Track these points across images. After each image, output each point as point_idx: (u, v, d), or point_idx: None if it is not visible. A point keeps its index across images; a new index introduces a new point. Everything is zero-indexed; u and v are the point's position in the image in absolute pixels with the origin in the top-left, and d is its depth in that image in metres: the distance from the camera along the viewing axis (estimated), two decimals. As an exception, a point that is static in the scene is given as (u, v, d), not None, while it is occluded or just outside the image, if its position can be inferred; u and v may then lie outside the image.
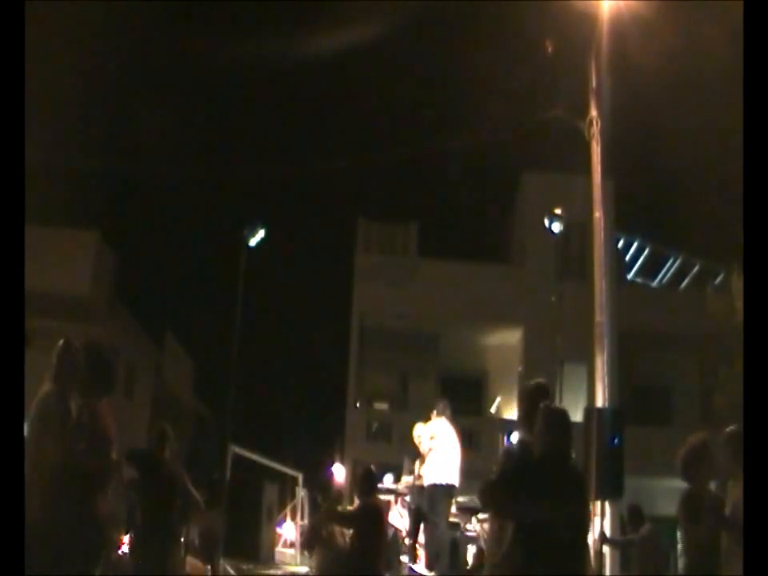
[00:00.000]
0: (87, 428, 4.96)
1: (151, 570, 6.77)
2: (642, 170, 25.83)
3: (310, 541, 8.68)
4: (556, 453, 4.99)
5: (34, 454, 4.89)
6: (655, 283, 25.80)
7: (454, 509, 10.87)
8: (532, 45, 14.63)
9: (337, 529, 7.96)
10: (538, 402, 5.22)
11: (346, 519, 7.91)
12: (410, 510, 11.06)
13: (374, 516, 7.64)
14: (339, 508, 8.30)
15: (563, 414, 5.19)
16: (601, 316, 13.28)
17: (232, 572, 13.47)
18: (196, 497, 7.25)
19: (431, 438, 10.41)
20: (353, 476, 20.92)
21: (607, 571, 12.09)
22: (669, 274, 25.74)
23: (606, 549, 11.74)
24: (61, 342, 5.33)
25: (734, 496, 5.49)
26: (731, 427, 5.73)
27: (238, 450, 15.97)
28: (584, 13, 13.43)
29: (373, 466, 8.36)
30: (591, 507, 4.99)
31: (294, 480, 21.06)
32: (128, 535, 17.87)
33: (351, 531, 7.67)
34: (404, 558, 11.03)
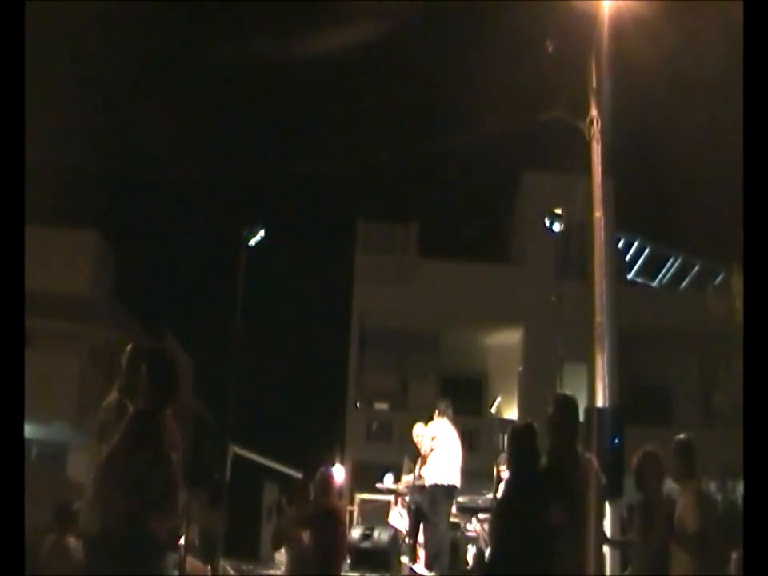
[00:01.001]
0: (150, 439, 4.77)
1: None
2: (642, 170, 25.83)
3: (275, 542, 8.88)
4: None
5: (98, 464, 4.88)
6: (655, 283, 25.81)
7: (454, 509, 10.87)
8: (532, 45, 14.63)
9: (303, 530, 8.07)
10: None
11: (303, 521, 8.05)
12: (409, 510, 11.06)
13: (329, 517, 7.85)
14: (299, 510, 8.35)
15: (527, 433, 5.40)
16: (601, 316, 13.29)
17: (232, 572, 13.48)
18: None
19: (432, 438, 10.41)
20: (352, 476, 20.94)
21: (607, 571, 12.07)
22: (669, 274, 25.75)
23: (606, 549, 11.74)
24: (128, 347, 5.21)
25: (682, 504, 5.76)
26: (681, 436, 6.07)
27: (238, 450, 15.98)
28: (584, 13, 13.43)
29: (332, 470, 8.50)
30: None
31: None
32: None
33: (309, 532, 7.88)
34: (404, 558, 11.04)
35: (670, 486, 6.12)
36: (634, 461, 6.22)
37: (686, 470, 5.92)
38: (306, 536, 7.92)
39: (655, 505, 5.92)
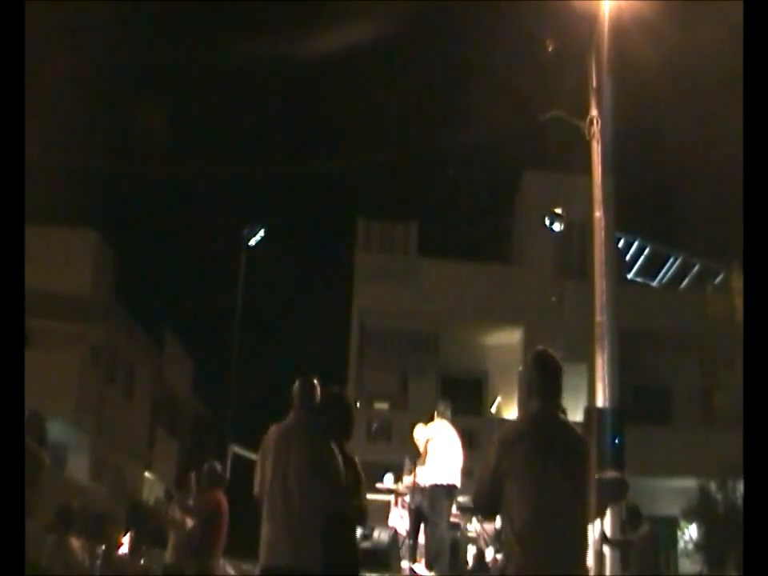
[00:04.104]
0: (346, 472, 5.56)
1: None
2: (642, 170, 25.83)
3: (165, 526, 9.58)
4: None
5: (310, 495, 5.33)
6: (655, 283, 25.82)
7: (454, 509, 10.87)
8: (532, 45, 14.64)
9: (186, 518, 8.84)
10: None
11: (189, 510, 8.78)
12: (410, 511, 11.06)
13: (211, 509, 8.47)
14: (186, 501, 9.12)
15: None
16: (601, 316, 13.28)
17: (232, 572, 13.48)
18: (39, 457, 7.18)
19: (431, 439, 10.42)
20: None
21: (607, 571, 12.08)
22: (669, 274, 25.76)
23: (605, 549, 11.75)
24: (310, 381, 5.79)
25: None
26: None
27: (237, 449, 16.01)
28: (584, 13, 13.43)
29: (218, 464, 8.90)
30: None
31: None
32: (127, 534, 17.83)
33: (194, 520, 8.62)
34: (404, 559, 11.04)
35: None
36: None
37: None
38: (189, 523, 8.44)
39: None
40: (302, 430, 5.53)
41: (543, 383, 4.38)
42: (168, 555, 9.11)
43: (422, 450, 10.45)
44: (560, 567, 3.90)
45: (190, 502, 9.00)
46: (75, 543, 8.88)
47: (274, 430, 5.61)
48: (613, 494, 5.82)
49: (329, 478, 5.37)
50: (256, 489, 5.60)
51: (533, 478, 4.02)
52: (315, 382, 5.75)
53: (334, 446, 5.52)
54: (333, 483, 5.37)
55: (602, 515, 5.59)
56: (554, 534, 3.94)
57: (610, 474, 5.55)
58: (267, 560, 5.26)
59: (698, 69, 16.12)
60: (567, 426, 4.31)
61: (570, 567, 3.94)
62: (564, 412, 4.61)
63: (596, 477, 4.42)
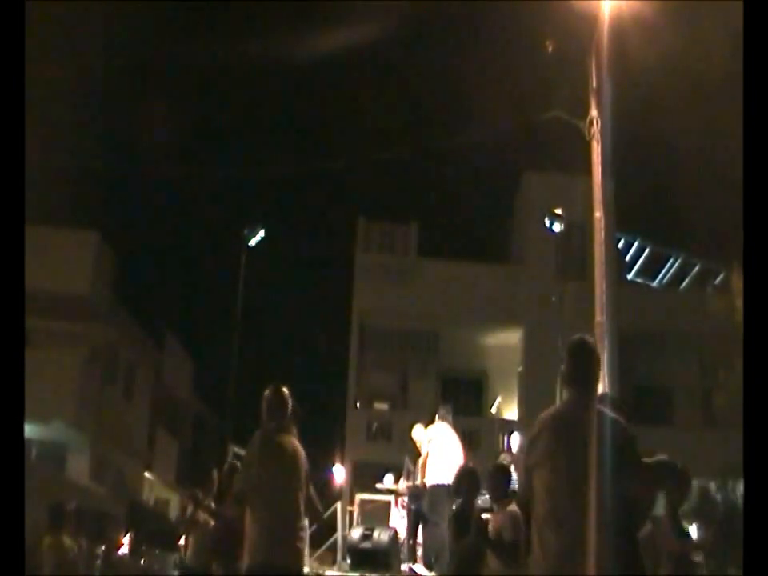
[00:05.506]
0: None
1: None
2: (642, 170, 25.85)
3: (188, 527, 9.71)
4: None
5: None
6: (655, 283, 25.81)
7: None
8: (532, 45, 14.65)
9: (209, 518, 9.07)
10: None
11: (214, 514, 8.96)
12: (409, 511, 11.06)
13: (235, 509, 8.40)
14: (211, 504, 9.25)
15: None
16: (601, 316, 13.28)
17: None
18: None
19: (429, 441, 10.43)
20: (352, 476, 20.94)
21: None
22: (669, 274, 25.74)
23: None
24: (282, 389, 5.94)
25: (496, 520, 6.19)
26: (498, 461, 6.95)
27: (237, 450, 16.01)
28: (584, 13, 13.44)
29: (238, 463, 8.98)
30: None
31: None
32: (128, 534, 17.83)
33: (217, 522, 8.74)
34: (404, 559, 11.03)
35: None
36: (455, 473, 7.17)
37: (500, 490, 6.48)
38: (210, 524, 8.81)
39: (471, 514, 6.41)
40: (292, 437, 5.83)
41: (574, 373, 4.29)
42: (190, 556, 9.16)
43: (422, 452, 10.45)
44: (577, 568, 3.76)
45: (212, 504, 9.04)
46: (68, 543, 8.84)
47: (265, 436, 5.79)
48: (668, 481, 5.42)
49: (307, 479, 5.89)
50: (243, 488, 5.85)
51: (553, 472, 3.90)
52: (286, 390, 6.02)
53: None
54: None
55: (649, 506, 5.30)
56: (574, 529, 3.79)
57: (659, 457, 5.00)
58: (265, 559, 5.50)
59: (698, 69, 16.12)
60: (603, 417, 4.05)
61: (589, 568, 3.76)
62: (616, 404, 4.63)
63: (644, 463, 4.22)
